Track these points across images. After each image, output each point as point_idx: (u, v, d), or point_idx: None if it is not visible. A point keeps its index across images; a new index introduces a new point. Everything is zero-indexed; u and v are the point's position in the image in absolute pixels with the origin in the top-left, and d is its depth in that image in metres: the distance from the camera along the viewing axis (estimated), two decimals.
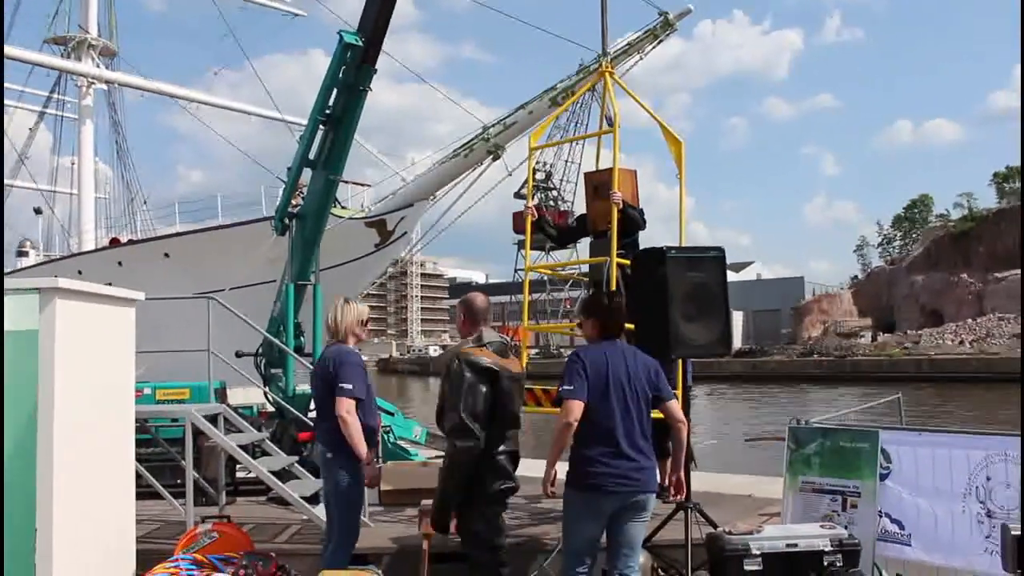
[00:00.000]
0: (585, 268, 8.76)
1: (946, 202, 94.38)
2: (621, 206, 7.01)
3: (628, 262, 6.76)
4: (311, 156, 9.67)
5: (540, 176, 73.27)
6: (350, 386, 5.10)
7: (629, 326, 5.40)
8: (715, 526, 5.70)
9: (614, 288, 6.57)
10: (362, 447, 5.07)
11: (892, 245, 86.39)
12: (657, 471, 4.75)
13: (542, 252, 66.57)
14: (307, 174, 9.99)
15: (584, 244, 8.52)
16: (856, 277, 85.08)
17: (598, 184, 7.52)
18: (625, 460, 4.43)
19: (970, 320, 58.24)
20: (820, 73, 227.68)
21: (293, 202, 10.38)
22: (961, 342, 54.76)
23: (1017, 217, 60.60)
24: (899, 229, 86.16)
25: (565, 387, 4.44)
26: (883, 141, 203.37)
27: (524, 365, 7.12)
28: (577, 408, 4.38)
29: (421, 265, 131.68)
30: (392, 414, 11.75)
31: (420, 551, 5.44)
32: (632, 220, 7.27)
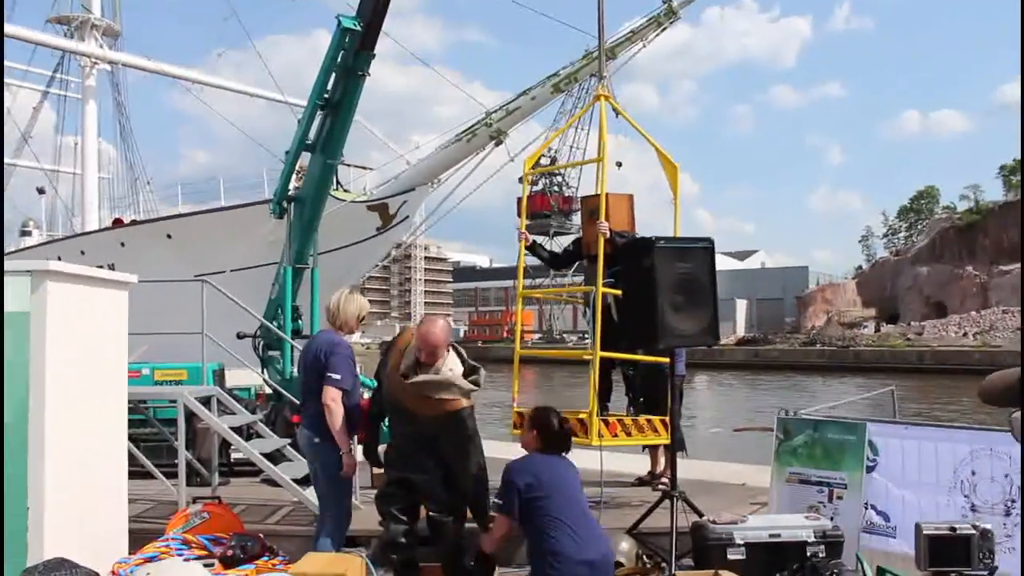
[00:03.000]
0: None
1: (952, 194, 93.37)
2: (608, 235, 6.86)
3: (619, 292, 6.57)
4: (309, 140, 9.68)
5: (545, 161, 73.34)
6: (339, 376, 5.15)
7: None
8: (700, 515, 5.75)
9: (599, 314, 6.39)
10: (343, 436, 5.13)
11: (897, 236, 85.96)
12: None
13: (546, 236, 66.89)
14: (306, 157, 10.01)
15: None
16: (860, 267, 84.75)
17: (594, 209, 7.32)
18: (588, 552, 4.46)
19: (974, 312, 58.13)
20: (828, 62, 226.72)
21: (292, 185, 10.40)
22: (964, 334, 54.71)
23: None
24: (904, 220, 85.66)
25: (496, 499, 4.68)
26: (890, 131, 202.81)
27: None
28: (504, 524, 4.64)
29: (425, 248, 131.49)
30: None
31: None
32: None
